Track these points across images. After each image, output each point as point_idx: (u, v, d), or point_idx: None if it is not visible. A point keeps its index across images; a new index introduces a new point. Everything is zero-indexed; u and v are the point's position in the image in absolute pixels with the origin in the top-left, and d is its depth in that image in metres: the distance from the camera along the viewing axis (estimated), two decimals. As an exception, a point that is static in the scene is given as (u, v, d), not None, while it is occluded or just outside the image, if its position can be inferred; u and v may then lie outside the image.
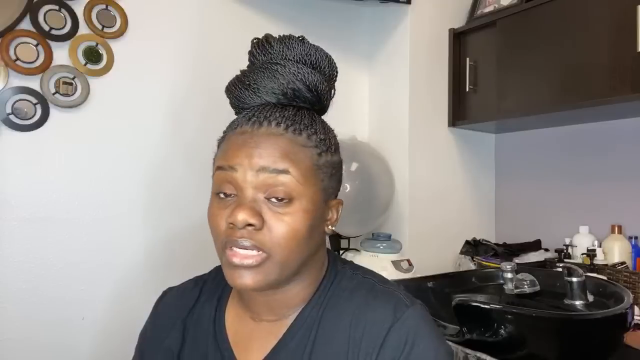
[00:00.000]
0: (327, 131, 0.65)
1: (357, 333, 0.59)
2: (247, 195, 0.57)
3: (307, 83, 0.62)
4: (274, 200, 0.57)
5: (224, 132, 0.64)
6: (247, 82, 0.63)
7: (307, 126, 0.61)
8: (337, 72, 0.68)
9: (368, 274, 0.68)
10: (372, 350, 0.58)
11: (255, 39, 0.66)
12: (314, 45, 0.65)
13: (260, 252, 0.56)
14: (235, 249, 0.56)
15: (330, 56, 0.67)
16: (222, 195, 0.59)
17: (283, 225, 0.56)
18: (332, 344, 0.60)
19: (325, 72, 0.66)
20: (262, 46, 0.64)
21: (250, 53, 0.66)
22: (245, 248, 0.56)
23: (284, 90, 0.61)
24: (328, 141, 0.63)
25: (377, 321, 0.59)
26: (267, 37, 0.65)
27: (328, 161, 0.62)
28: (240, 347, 0.65)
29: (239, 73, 0.66)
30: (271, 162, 0.56)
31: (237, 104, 0.64)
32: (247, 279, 0.57)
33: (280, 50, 0.63)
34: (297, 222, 0.57)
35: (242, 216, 0.55)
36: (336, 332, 0.61)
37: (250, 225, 0.55)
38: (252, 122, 0.59)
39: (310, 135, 0.60)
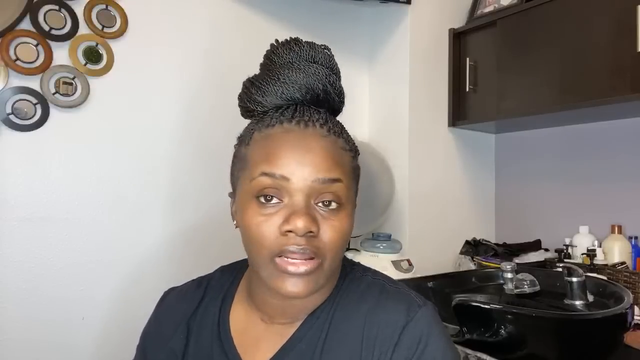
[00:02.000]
0: (351, 136, 0.66)
1: (371, 333, 0.60)
2: (301, 202, 0.56)
3: (336, 88, 0.64)
4: (322, 205, 0.57)
5: (253, 127, 0.62)
6: (275, 77, 0.61)
7: (342, 129, 0.62)
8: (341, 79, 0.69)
9: (377, 275, 0.68)
10: (386, 349, 0.58)
11: (276, 40, 0.66)
12: (333, 55, 0.66)
13: (315, 259, 0.56)
14: (289, 258, 0.55)
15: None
16: (262, 200, 0.57)
17: (334, 231, 0.57)
18: (344, 345, 0.60)
19: (340, 80, 0.67)
20: (288, 46, 0.64)
21: (272, 52, 0.65)
22: (302, 255, 0.55)
23: (317, 90, 0.61)
24: (355, 145, 0.65)
25: (390, 321, 0.60)
26: (296, 39, 0.65)
27: (357, 165, 0.64)
28: (247, 348, 0.64)
29: (249, 71, 0.66)
30: (325, 171, 0.56)
31: (256, 99, 0.62)
32: (300, 287, 0.56)
33: (308, 51, 0.63)
34: (345, 227, 0.58)
35: (302, 223, 0.54)
36: (348, 333, 0.61)
37: (309, 232, 0.55)
38: (297, 122, 0.58)
39: (346, 138, 0.62)
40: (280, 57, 0.63)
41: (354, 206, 0.63)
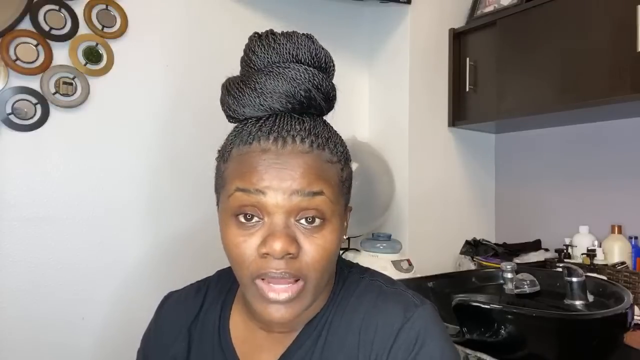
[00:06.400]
0: (342, 141, 0.61)
1: (368, 336, 0.58)
2: (279, 221, 0.52)
3: (322, 90, 0.57)
4: (304, 222, 0.53)
5: (231, 141, 0.57)
6: (252, 85, 0.55)
7: (328, 139, 0.57)
8: (335, 70, 0.62)
9: (375, 276, 0.67)
10: (382, 351, 0.57)
11: (255, 33, 0.59)
12: (319, 43, 0.59)
13: (297, 282, 0.53)
14: (271, 284, 0.53)
15: (330, 54, 0.61)
16: (242, 219, 0.53)
17: (317, 249, 0.53)
18: (342, 349, 0.59)
19: (331, 74, 0.61)
20: (266, 42, 0.57)
21: (250, 50, 0.58)
22: (282, 280, 0.52)
23: (299, 97, 0.55)
24: (346, 152, 0.61)
25: (387, 323, 0.58)
26: (273, 32, 0.58)
27: (348, 174, 0.60)
28: (248, 356, 0.63)
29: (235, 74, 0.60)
30: (306, 184, 0.52)
31: (235, 110, 0.57)
32: (284, 313, 0.54)
33: (289, 48, 0.56)
34: (329, 243, 0.54)
35: (280, 246, 0.50)
36: (346, 337, 0.60)
37: (288, 254, 0.51)
38: (274, 139, 0.53)
39: (332, 149, 0.57)
40: (259, 56, 0.57)
41: (342, 218, 0.59)
